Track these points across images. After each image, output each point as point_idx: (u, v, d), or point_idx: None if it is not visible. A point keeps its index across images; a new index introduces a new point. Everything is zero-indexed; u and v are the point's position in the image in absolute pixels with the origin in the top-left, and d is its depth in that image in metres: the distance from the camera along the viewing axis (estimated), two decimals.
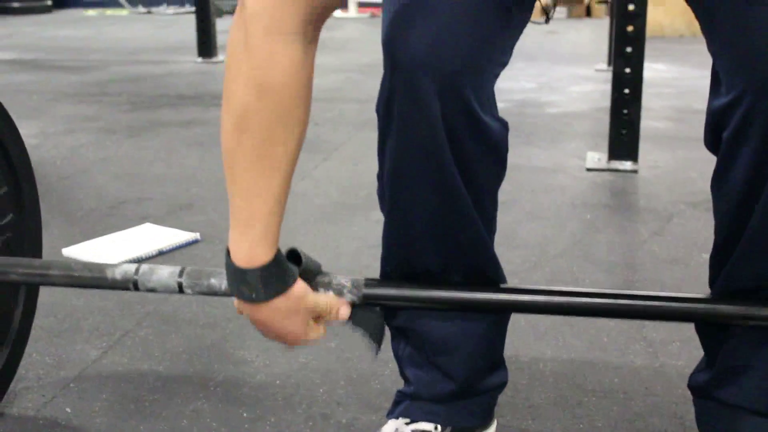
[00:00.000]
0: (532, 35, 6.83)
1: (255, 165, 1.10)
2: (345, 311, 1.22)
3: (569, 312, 1.31)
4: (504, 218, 2.57)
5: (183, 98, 4.31)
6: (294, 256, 1.18)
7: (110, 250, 2.34)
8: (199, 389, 1.64)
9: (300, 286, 1.16)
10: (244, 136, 1.08)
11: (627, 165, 3.14)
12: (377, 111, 1.20)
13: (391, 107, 1.16)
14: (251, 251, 1.11)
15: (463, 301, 1.25)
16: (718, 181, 1.21)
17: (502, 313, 1.36)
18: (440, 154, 1.16)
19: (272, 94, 1.08)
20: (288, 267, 1.15)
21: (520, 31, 1.26)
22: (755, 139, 1.11)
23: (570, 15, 7.75)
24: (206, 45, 5.58)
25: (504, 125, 1.24)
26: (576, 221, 2.62)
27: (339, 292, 1.22)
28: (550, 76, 4.94)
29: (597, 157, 3.23)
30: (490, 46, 1.17)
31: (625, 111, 3.13)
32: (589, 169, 3.15)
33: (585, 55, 5.33)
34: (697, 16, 1.22)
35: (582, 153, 3.32)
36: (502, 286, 1.31)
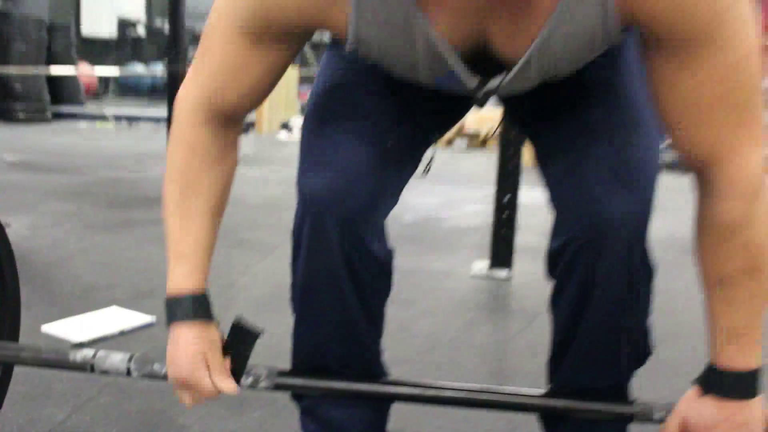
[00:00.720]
0: (440, 160, 6.92)
1: (180, 212, 1.16)
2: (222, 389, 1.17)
3: (430, 402, 1.32)
4: (404, 313, 2.62)
5: (153, 200, 4.30)
6: (237, 323, 1.17)
7: (82, 328, 2.31)
8: None
9: (211, 329, 1.16)
10: (174, 188, 1.16)
11: (503, 273, 3.19)
12: (292, 234, 1.24)
13: (301, 235, 1.21)
14: (176, 282, 1.15)
15: (352, 392, 1.28)
16: (553, 301, 1.27)
17: (381, 401, 1.38)
18: (338, 277, 1.20)
19: (194, 160, 1.14)
20: (205, 305, 1.16)
21: (410, 177, 1.31)
22: (577, 280, 1.18)
23: (468, 146, 7.91)
24: None
25: (390, 252, 1.27)
26: (461, 318, 2.65)
27: (256, 380, 1.24)
28: (450, 196, 5.03)
29: (480, 266, 3.27)
30: (382, 193, 1.21)
31: (503, 230, 3.20)
32: (473, 276, 3.19)
33: (478, 179, 5.44)
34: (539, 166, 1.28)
35: (469, 261, 3.36)
36: (383, 380, 1.34)
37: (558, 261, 1.19)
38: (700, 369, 1.14)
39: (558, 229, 1.20)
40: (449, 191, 5.18)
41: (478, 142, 7.87)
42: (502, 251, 3.22)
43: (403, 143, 1.24)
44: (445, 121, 1.38)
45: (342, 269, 1.19)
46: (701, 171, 1.04)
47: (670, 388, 2.11)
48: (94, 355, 1.30)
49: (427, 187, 5.24)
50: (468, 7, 0.96)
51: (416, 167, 1.33)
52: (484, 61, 1.03)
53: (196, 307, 1.15)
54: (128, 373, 1.28)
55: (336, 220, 1.16)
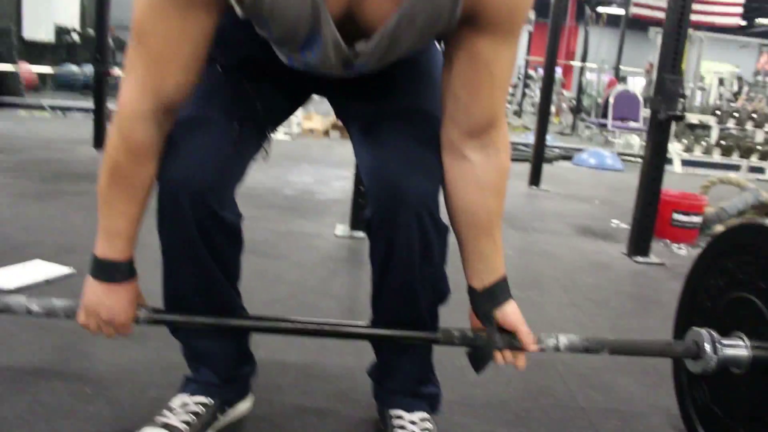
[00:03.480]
0: (316, 148, 6.99)
1: (110, 197, 1.14)
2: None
3: (283, 332, 1.34)
4: (278, 265, 2.61)
5: (79, 176, 4.11)
6: None
7: (11, 277, 2.19)
8: (56, 374, 1.58)
9: (130, 287, 1.20)
10: (106, 176, 1.13)
11: (360, 234, 3.20)
12: (156, 208, 1.19)
13: (162, 209, 1.17)
14: (110, 253, 1.17)
15: (215, 325, 1.27)
16: (370, 257, 1.27)
17: (239, 333, 1.39)
18: (193, 242, 1.18)
19: (128, 153, 1.10)
20: (134, 271, 1.20)
21: (254, 156, 1.29)
22: (383, 242, 1.20)
23: (342, 136, 7.90)
24: (100, 139, 5.35)
25: (239, 218, 1.24)
26: (324, 269, 2.66)
27: (137, 317, 1.23)
28: (323, 175, 5.00)
29: (343, 228, 3.29)
30: (229, 171, 1.19)
31: (360, 200, 3.22)
32: (337, 236, 3.20)
33: (347, 162, 5.44)
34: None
35: (334, 225, 3.37)
36: (238, 316, 1.35)
37: (370, 223, 1.20)
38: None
39: (369, 199, 1.21)
40: (322, 172, 5.16)
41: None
42: (360, 217, 3.24)
43: (249, 127, 1.22)
44: (286, 109, 1.36)
45: (196, 235, 1.16)
46: (481, 134, 1.12)
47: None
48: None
49: (305, 168, 5.23)
50: None
51: (260, 148, 1.30)
52: (351, 30, 1.02)
53: (129, 270, 1.19)
54: (29, 312, 1.25)
55: (188, 195, 1.13)
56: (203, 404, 1.34)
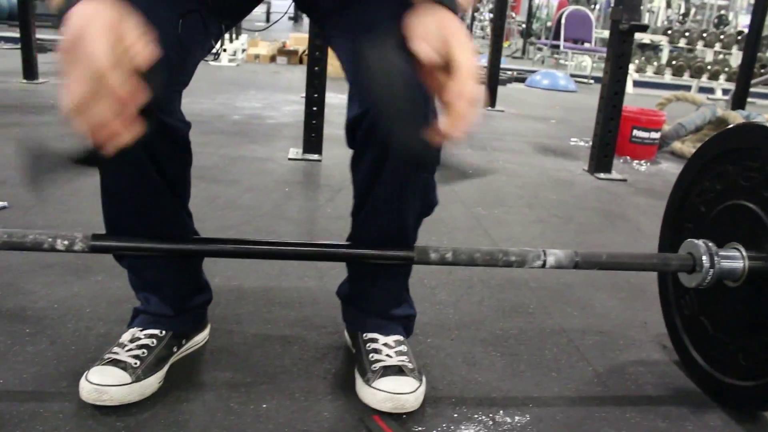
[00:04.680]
0: (263, 74, 6.72)
1: None
2: (146, 56, 0.80)
3: (250, 256, 1.20)
4: (230, 190, 2.46)
5: (8, 107, 3.84)
6: None
7: None
8: None
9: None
10: None
11: (315, 157, 3.07)
12: None
13: None
14: None
15: (163, 250, 1.13)
16: (354, 166, 1.16)
17: (189, 257, 1.25)
18: (136, 156, 1.02)
19: None
20: None
21: (200, 60, 1.13)
22: (375, 144, 1.07)
23: (289, 62, 7.61)
24: (30, 71, 5.01)
25: (186, 125, 1.10)
26: (278, 193, 2.52)
27: (71, 243, 1.06)
28: (271, 100, 4.78)
29: (296, 152, 3.14)
30: (174, 78, 1.04)
31: (314, 121, 3.07)
32: (290, 159, 3.05)
33: (296, 88, 5.23)
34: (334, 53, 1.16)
35: (287, 149, 3.22)
36: (192, 238, 1.21)
37: (357, 128, 1.08)
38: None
39: (355, 99, 1.08)
40: (271, 97, 4.94)
41: (296, 59, 7.60)
42: (313, 139, 3.10)
43: (194, 21, 1.05)
44: (237, 11, 1.21)
45: (138, 145, 1.01)
46: None
47: (448, 237, 2.12)
48: None
49: (252, 94, 5.00)
50: None
51: (207, 52, 1.16)
52: None
53: None
54: None
55: None
56: (156, 336, 1.21)
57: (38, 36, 5.01)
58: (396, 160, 1.07)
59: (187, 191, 1.19)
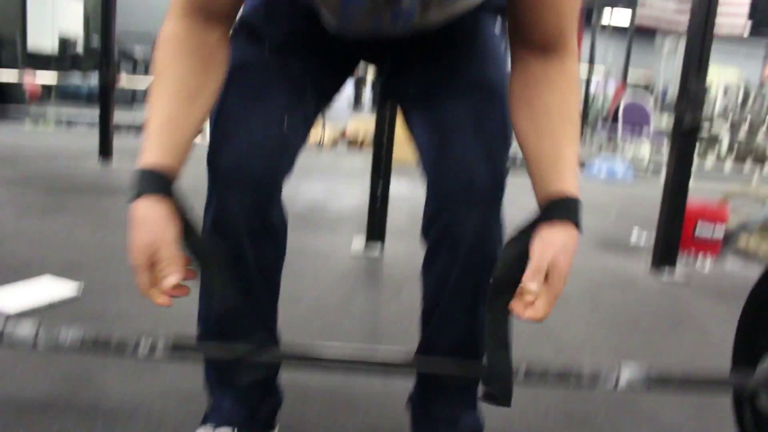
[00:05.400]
0: (325, 160, 6.89)
1: (153, 94, 0.97)
2: (175, 278, 0.93)
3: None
4: (293, 285, 2.51)
5: (84, 190, 4.03)
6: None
7: (15, 298, 2.08)
8: (64, 408, 1.47)
9: (166, 206, 0.93)
10: (154, 77, 0.98)
11: (377, 250, 3.11)
12: (204, 209, 1.09)
13: (209, 207, 1.08)
14: (145, 156, 0.94)
15: (258, 357, 1.15)
16: (425, 266, 1.17)
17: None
18: (240, 246, 1.08)
19: (170, 48, 0.99)
20: (159, 177, 0.93)
21: (303, 146, 1.19)
22: (449, 241, 1.09)
23: (349, 148, 7.82)
24: (106, 150, 5.27)
25: (286, 222, 1.16)
26: (342, 289, 2.56)
27: (153, 348, 1.10)
28: (333, 188, 4.90)
29: (359, 243, 3.19)
30: (280, 166, 1.10)
31: (376, 212, 3.13)
32: (353, 251, 3.10)
33: (357, 175, 5.36)
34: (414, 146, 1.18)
35: (349, 240, 3.27)
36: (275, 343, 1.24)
37: (432, 224, 1.10)
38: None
39: (432, 194, 1.10)
40: (332, 184, 5.07)
41: (357, 144, 7.80)
42: (376, 231, 3.15)
43: (298, 114, 1.12)
44: (335, 84, 1.25)
45: (245, 238, 1.07)
46: (547, 50, 0.98)
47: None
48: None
49: (314, 181, 5.13)
50: None
51: (308, 137, 1.20)
52: None
53: (150, 179, 0.92)
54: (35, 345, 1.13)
55: (240, 194, 1.04)
56: None
57: (116, 117, 5.26)
58: (468, 259, 1.08)
59: (278, 292, 1.22)
